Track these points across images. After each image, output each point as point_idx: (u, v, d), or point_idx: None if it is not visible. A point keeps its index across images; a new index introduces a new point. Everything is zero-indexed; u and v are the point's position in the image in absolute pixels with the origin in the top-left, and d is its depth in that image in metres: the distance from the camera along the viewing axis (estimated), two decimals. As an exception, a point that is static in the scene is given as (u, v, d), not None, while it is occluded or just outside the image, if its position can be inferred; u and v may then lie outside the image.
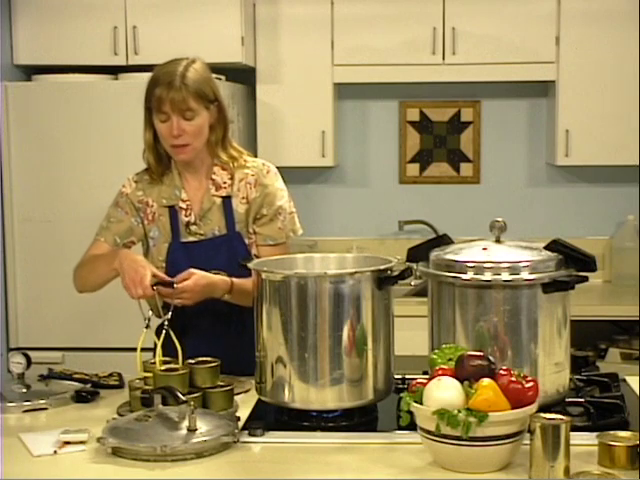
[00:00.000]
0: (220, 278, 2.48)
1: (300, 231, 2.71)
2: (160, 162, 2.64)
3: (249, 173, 2.65)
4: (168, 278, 2.43)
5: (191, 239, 2.62)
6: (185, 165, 2.64)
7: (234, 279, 2.49)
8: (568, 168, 4.51)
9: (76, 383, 2.45)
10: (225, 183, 2.64)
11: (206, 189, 2.64)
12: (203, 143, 2.60)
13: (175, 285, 2.40)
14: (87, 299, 4.01)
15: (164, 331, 2.36)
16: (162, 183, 2.65)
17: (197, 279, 2.42)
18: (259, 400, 2.25)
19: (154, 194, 2.65)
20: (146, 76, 3.99)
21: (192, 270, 2.44)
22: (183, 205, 2.63)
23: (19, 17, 4.13)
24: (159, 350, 2.32)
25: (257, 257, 2.57)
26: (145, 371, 2.28)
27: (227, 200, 2.63)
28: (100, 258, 2.60)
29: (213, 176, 2.64)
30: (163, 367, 2.25)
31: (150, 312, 2.46)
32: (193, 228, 2.62)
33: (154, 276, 2.40)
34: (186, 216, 2.62)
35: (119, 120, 3.95)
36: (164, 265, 2.61)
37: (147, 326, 2.38)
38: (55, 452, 1.99)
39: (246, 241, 2.62)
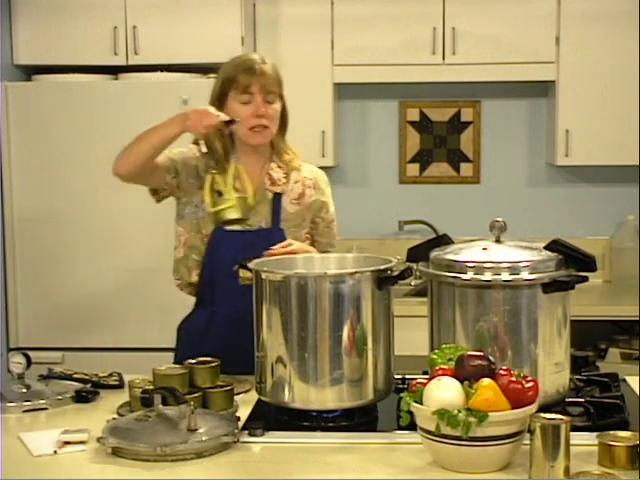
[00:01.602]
0: (308, 247, 2.62)
1: (338, 238, 2.84)
2: (224, 149, 2.68)
3: (307, 176, 2.76)
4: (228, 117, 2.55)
5: (236, 228, 2.63)
6: (247, 155, 2.69)
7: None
8: (568, 168, 4.51)
9: (76, 383, 2.45)
10: (280, 180, 2.71)
11: (261, 182, 2.69)
12: (275, 131, 2.69)
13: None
14: (87, 299, 4.04)
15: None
16: (219, 169, 2.65)
17: (299, 246, 2.55)
18: (259, 400, 2.25)
19: (209, 176, 2.65)
20: (146, 76, 4.05)
21: (290, 241, 2.55)
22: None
23: (19, 17, 4.13)
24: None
25: None
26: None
27: (278, 196, 2.69)
28: (151, 129, 2.63)
29: (270, 171, 2.71)
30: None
31: None
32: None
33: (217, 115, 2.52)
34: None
35: (119, 120, 3.95)
36: (205, 241, 2.66)
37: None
38: (55, 452, 1.99)
39: (286, 238, 2.64)
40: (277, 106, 2.66)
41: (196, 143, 2.74)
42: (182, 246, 2.73)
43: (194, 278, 2.70)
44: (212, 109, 2.53)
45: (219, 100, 2.66)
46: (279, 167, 2.73)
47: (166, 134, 2.57)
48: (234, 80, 2.64)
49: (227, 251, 2.60)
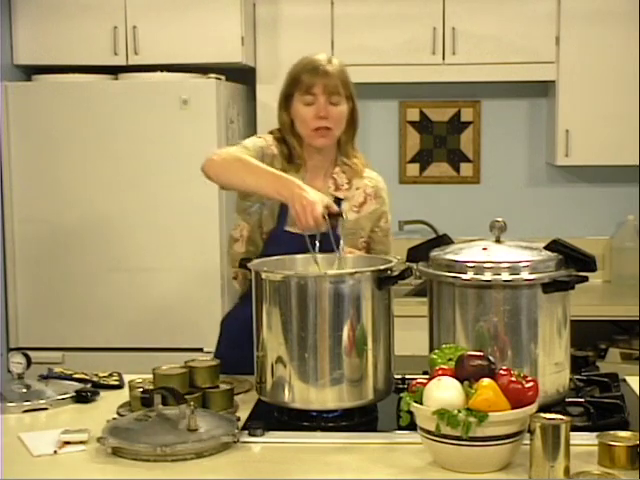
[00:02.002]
0: None
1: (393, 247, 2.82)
2: (294, 147, 2.66)
3: (368, 184, 2.73)
4: (336, 208, 2.38)
5: (293, 230, 2.53)
6: (312, 157, 2.66)
7: None
8: (568, 168, 4.51)
9: (76, 383, 2.45)
10: (343, 186, 2.68)
11: (325, 186, 2.66)
12: (339, 134, 2.66)
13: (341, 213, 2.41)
14: (87, 299, 4.04)
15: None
16: (288, 167, 2.63)
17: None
18: (259, 400, 2.25)
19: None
20: (146, 76, 4.05)
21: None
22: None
23: (19, 17, 4.13)
24: None
25: None
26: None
27: (339, 201, 2.64)
28: (256, 169, 2.44)
29: (334, 175, 2.69)
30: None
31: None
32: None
33: (325, 207, 2.32)
34: None
35: (119, 120, 3.95)
36: (264, 238, 2.64)
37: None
38: (55, 452, 1.99)
39: (341, 245, 2.52)
40: (342, 108, 2.62)
41: (271, 132, 2.70)
42: (244, 241, 2.70)
43: (243, 277, 2.67)
44: (320, 202, 2.28)
45: (286, 100, 2.65)
46: (343, 172, 2.69)
47: (260, 189, 2.42)
48: (298, 80, 2.62)
49: (283, 251, 2.47)
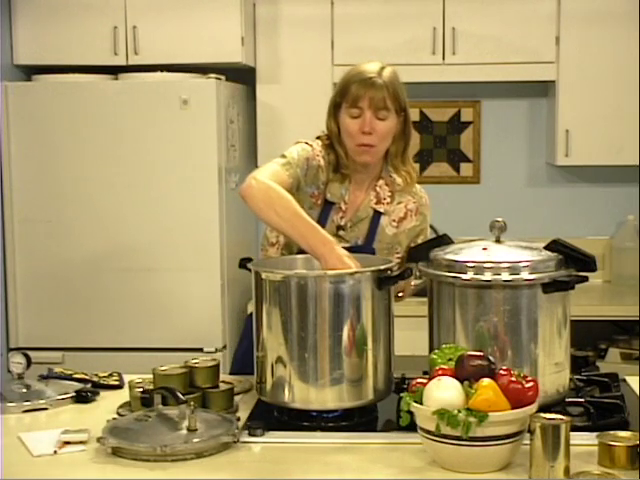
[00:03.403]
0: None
1: None
2: (341, 158, 2.57)
3: (410, 199, 2.66)
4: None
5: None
6: (360, 168, 2.58)
7: None
8: (568, 168, 4.51)
9: (76, 383, 2.45)
10: (384, 199, 2.62)
11: (367, 198, 2.61)
12: (385, 149, 2.57)
13: None
14: (87, 299, 4.04)
15: None
16: (335, 177, 2.58)
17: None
18: (259, 400, 2.25)
19: (325, 181, 2.57)
20: (146, 76, 4.05)
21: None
22: (343, 207, 2.57)
23: (19, 17, 4.13)
24: None
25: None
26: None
27: (378, 215, 2.60)
28: (294, 216, 2.30)
29: (377, 188, 2.61)
30: None
31: None
32: (341, 233, 2.56)
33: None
34: (341, 218, 2.57)
35: (119, 120, 3.95)
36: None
37: None
38: (55, 452, 1.99)
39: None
40: (389, 123, 2.51)
41: (319, 138, 2.62)
42: (281, 246, 2.62)
43: None
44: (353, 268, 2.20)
45: (335, 108, 2.56)
46: (387, 185, 2.62)
47: (294, 239, 2.33)
48: (346, 91, 2.51)
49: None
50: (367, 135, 2.49)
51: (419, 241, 2.64)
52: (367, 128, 2.49)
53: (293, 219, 2.30)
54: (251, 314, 2.74)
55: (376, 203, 2.61)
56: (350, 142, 2.53)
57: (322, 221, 2.53)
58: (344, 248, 2.31)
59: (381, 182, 2.63)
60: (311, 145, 2.57)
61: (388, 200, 2.62)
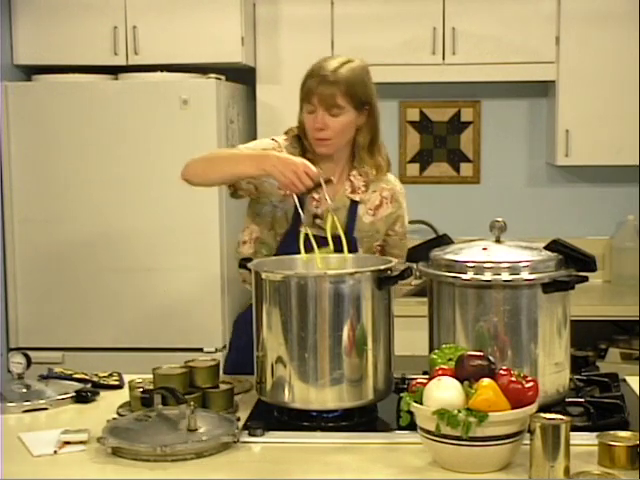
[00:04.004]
0: None
1: None
2: (307, 148, 2.63)
3: (384, 187, 2.70)
4: (314, 170, 2.40)
5: (310, 232, 2.51)
6: (325, 159, 2.63)
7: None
8: (568, 168, 4.51)
9: (76, 383, 2.45)
10: (359, 189, 2.66)
11: (341, 188, 2.65)
12: (346, 141, 2.61)
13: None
14: (87, 299, 4.04)
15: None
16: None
17: None
18: (259, 400, 2.25)
19: None
20: (146, 76, 4.05)
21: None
22: (316, 196, 2.60)
23: (19, 17, 4.13)
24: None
25: None
26: None
27: (355, 204, 2.64)
28: (231, 156, 2.53)
29: (351, 178, 2.66)
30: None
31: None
32: (318, 222, 2.60)
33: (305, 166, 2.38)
34: (316, 207, 2.61)
35: (119, 120, 3.95)
36: (278, 239, 2.62)
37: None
38: (55, 452, 1.99)
39: (358, 248, 2.60)
40: (344, 119, 2.55)
41: (288, 132, 2.69)
42: (253, 242, 2.67)
43: None
44: (301, 162, 2.37)
45: (301, 102, 2.61)
46: (360, 175, 2.66)
47: (242, 172, 2.47)
48: (303, 86, 2.58)
49: (298, 253, 2.46)
50: (320, 131, 2.55)
51: (397, 228, 2.75)
52: (319, 124, 2.55)
53: (231, 158, 2.50)
54: (238, 319, 2.75)
55: (351, 192, 2.65)
56: (309, 135, 2.60)
57: (297, 212, 2.55)
58: (322, 237, 2.43)
59: (355, 172, 2.67)
60: (276, 140, 2.64)
61: (363, 189, 2.66)
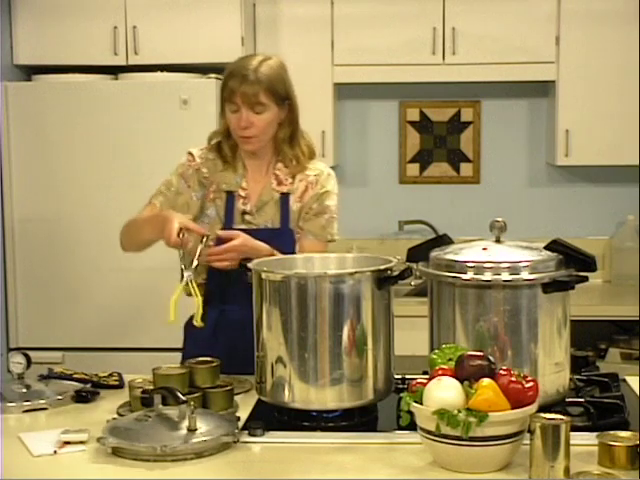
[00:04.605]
0: (265, 246, 2.52)
1: (336, 237, 2.75)
2: (230, 149, 2.70)
3: (310, 174, 2.72)
4: (193, 226, 2.48)
5: (243, 227, 2.65)
6: (251, 155, 2.70)
7: (277, 252, 2.53)
8: (568, 168, 4.52)
9: (76, 383, 2.45)
10: (286, 180, 2.70)
11: (267, 182, 2.69)
12: (271, 137, 2.67)
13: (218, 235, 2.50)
14: (87, 299, 4.04)
15: (189, 283, 2.42)
16: (226, 168, 2.70)
17: (245, 239, 2.48)
18: (259, 400, 2.25)
19: (216, 176, 2.70)
20: (146, 76, 4.05)
21: (238, 232, 2.50)
22: (242, 193, 2.68)
23: (19, 17, 4.13)
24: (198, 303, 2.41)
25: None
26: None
27: (285, 197, 2.68)
28: (147, 221, 2.64)
29: (276, 171, 2.70)
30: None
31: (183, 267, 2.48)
32: (248, 217, 2.67)
33: (187, 229, 2.44)
34: (243, 204, 2.67)
35: (119, 120, 3.95)
36: (211, 245, 2.62)
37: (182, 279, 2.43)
38: (55, 452, 1.99)
39: (296, 239, 2.67)
40: (266, 116, 2.61)
41: (212, 137, 2.76)
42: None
43: (201, 280, 2.68)
44: (176, 221, 2.43)
45: (223, 102, 2.66)
46: (286, 167, 2.71)
47: (151, 238, 2.60)
48: (225, 86, 2.63)
49: None
50: (246, 129, 2.60)
51: (314, 206, 2.70)
52: (243, 123, 2.60)
53: (140, 227, 2.65)
54: (188, 323, 2.75)
55: (277, 185, 2.69)
56: (234, 134, 2.65)
57: (228, 210, 2.67)
58: (255, 232, 2.54)
59: (279, 165, 2.71)
60: (191, 153, 2.73)
61: (290, 181, 2.70)
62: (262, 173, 2.71)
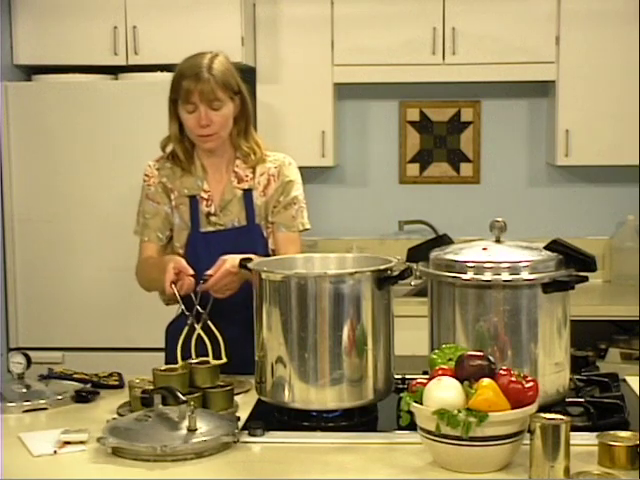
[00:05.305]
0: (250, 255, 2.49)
1: (308, 225, 2.74)
2: (185, 153, 2.70)
3: (271, 166, 2.71)
4: (189, 270, 2.45)
5: (210, 229, 2.65)
6: (208, 156, 2.70)
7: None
8: (568, 168, 4.51)
9: (76, 383, 2.45)
10: (247, 176, 2.69)
11: (228, 181, 2.69)
12: (229, 132, 2.66)
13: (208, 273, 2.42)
14: (87, 299, 4.04)
15: (195, 329, 2.37)
16: (185, 173, 2.70)
17: (232, 258, 2.42)
18: (259, 400, 2.25)
19: (176, 183, 2.70)
20: (146, 76, 4.05)
21: (223, 257, 2.45)
22: (205, 195, 2.67)
23: (19, 17, 4.13)
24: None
25: (273, 250, 2.65)
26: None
27: (248, 193, 2.68)
28: (153, 267, 2.63)
29: (235, 169, 2.69)
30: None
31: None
32: (213, 219, 2.66)
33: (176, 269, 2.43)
34: (207, 206, 2.67)
35: (119, 120, 3.95)
36: (181, 252, 2.66)
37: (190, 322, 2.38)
38: (55, 452, 1.99)
39: (265, 234, 2.67)
40: (224, 111, 2.61)
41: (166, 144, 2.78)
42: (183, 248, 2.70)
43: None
44: (170, 269, 2.42)
45: (173, 104, 2.67)
46: (245, 163, 2.70)
47: (160, 286, 2.54)
48: (178, 87, 2.62)
49: (205, 253, 2.57)
50: (206, 127, 2.60)
51: (281, 199, 2.69)
52: (204, 122, 2.59)
53: (150, 274, 2.62)
54: (169, 327, 2.74)
55: (238, 182, 2.69)
56: (192, 135, 2.65)
57: (193, 214, 2.66)
58: (225, 232, 2.61)
59: (238, 162, 2.70)
60: (149, 165, 2.77)
61: (251, 176, 2.69)
62: (222, 172, 2.70)
